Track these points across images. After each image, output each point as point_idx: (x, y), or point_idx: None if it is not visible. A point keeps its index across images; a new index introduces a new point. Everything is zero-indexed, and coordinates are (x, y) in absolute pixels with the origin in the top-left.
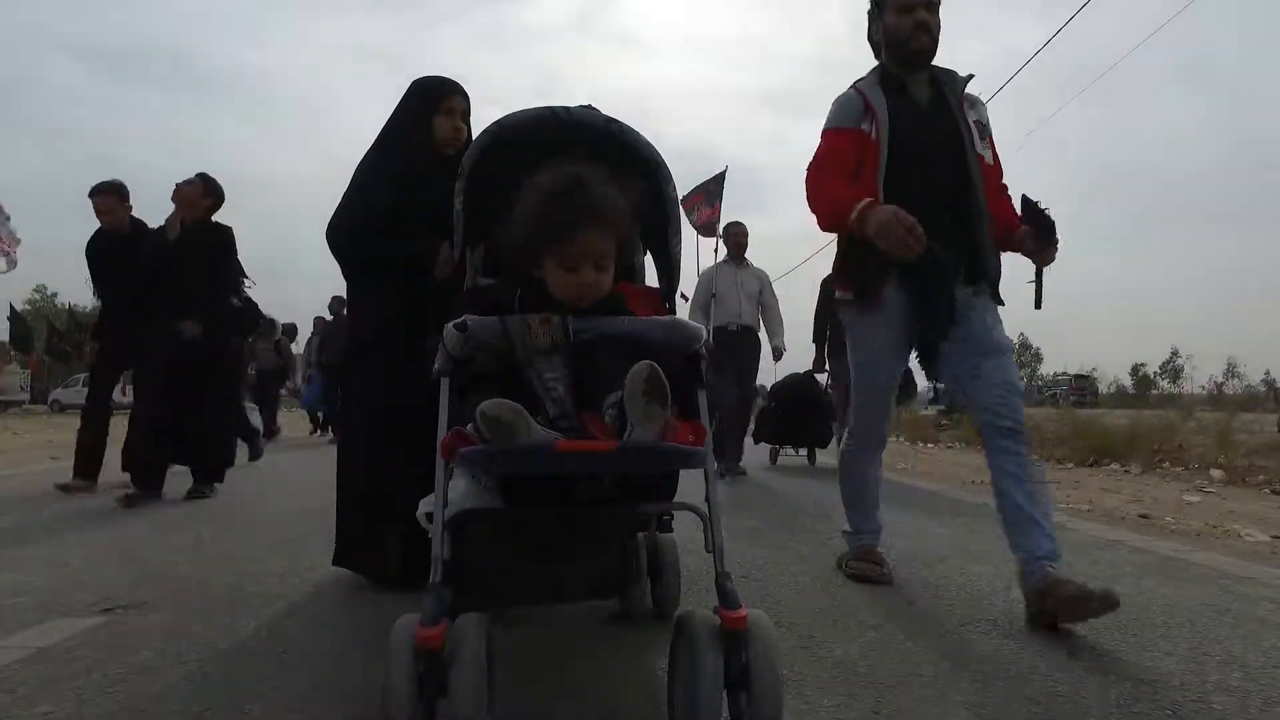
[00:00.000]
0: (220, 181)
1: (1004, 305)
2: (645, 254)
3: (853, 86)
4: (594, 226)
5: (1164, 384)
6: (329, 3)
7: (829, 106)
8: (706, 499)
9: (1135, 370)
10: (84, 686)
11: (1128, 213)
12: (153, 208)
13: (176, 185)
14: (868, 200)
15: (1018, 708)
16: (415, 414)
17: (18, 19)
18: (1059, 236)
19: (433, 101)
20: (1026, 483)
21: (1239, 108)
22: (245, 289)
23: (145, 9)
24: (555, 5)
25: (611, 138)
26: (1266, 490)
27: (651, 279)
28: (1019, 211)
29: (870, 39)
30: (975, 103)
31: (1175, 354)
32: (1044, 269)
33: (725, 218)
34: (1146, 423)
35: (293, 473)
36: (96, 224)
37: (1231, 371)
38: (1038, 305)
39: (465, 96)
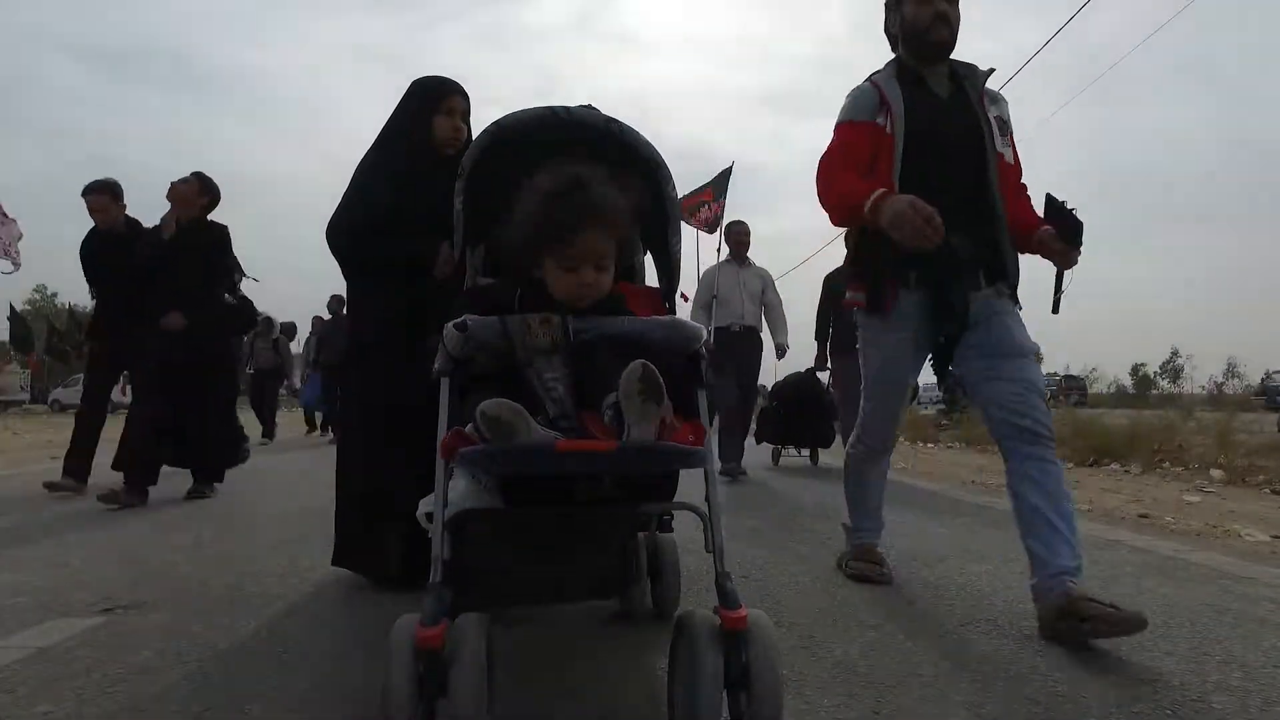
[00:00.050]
0: (220, 181)
1: (1022, 309)
2: (645, 254)
3: (868, 79)
4: (594, 227)
5: (1164, 384)
6: (329, 3)
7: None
8: (706, 499)
9: (1135, 370)
10: (84, 686)
11: (1128, 213)
12: (153, 207)
13: (172, 184)
14: (882, 190)
15: (1018, 708)
16: (415, 414)
17: (18, 19)
18: (1083, 238)
19: (433, 101)
20: (1048, 488)
21: (1239, 108)
22: (241, 287)
23: (145, 9)
24: (555, 5)
25: (611, 137)
26: (1266, 490)
27: (651, 279)
28: (1042, 211)
29: (887, 31)
30: (996, 98)
31: (1175, 354)
32: (1065, 272)
33: (725, 218)
34: (1146, 423)
35: (293, 473)
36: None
37: (1231, 371)
38: (1055, 310)
39: (465, 96)
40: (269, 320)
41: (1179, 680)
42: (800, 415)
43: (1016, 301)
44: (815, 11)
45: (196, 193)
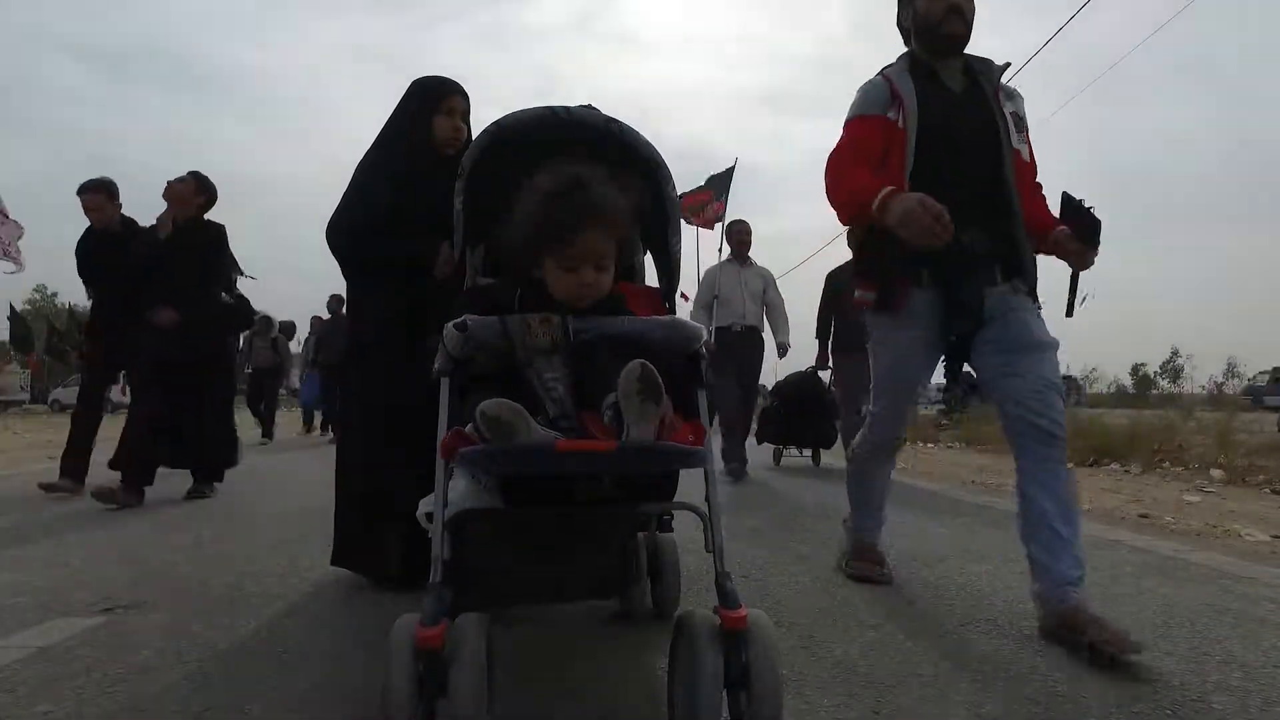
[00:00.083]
0: (220, 181)
1: (1042, 307)
2: (645, 254)
3: (879, 73)
4: (594, 227)
5: (1164, 384)
6: (329, 2)
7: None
8: (706, 499)
9: (1135, 370)
10: (84, 686)
11: (1127, 213)
12: (153, 207)
13: (168, 183)
14: (890, 188)
15: (1018, 708)
16: (415, 414)
17: (18, 19)
18: (1100, 238)
19: (433, 101)
20: (1058, 493)
21: (1239, 108)
22: (238, 286)
23: (145, 9)
24: (555, 5)
25: (611, 137)
26: (1266, 490)
27: (651, 279)
28: (1058, 210)
29: (899, 24)
30: (1012, 94)
31: (1175, 354)
32: (1080, 274)
33: (727, 217)
34: (1146, 423)
35: (293, 473)
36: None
37: (1231, 371)
38: (1069, 313)
39: (465, 96)
40: (267, 319)
41: (1179, 680)
42: (802, 415)
43: (1036, 300)
44: (815, 11)
45: (193, 192)
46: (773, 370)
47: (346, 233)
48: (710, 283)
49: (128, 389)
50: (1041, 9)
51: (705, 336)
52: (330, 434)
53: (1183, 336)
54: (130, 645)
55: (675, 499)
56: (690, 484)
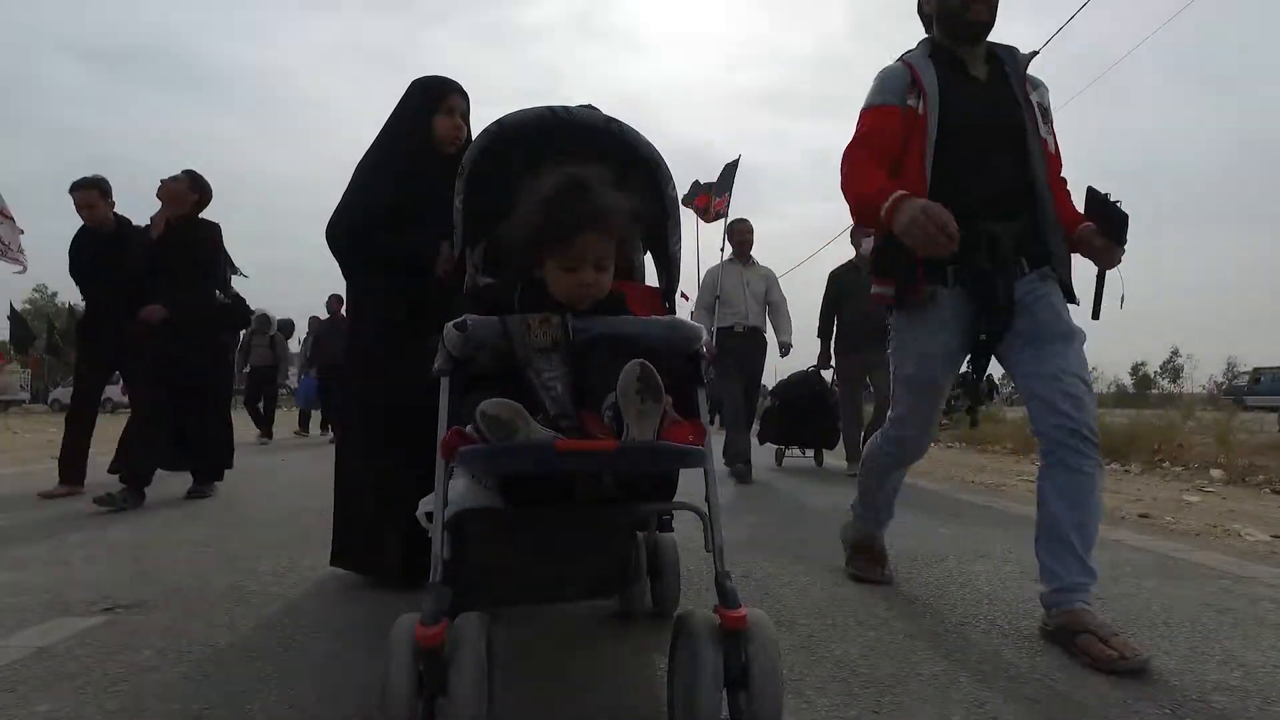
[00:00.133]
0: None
1: (1079, 304)
2: (645, 254)
3: (899, 59)
4: (594, 228)
5: (1164, 383)
6: (329, 2)
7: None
8: (706, 499)
9: (1135, 370)
10: (84, 686)
11: (1127, 213)
12: (152, 207)
13: (162, 181)
14: (900, 193)
15: (1018, 708)
16: (415, 414)
17: (18, 19)
18: (1128, 236)
19: (433, 101)
20: (1077, 500)
21: (1240, 108)
22: (232, 284)
23: (145, 9)
24: (555, 5)
25: (611, 137)
26: (1266, 490)
27: (651, 278)
28: (1083, 206)
29: (920, 11)
30: (1037, 84)
31: (1175, 353)
32: (1106, 273)
33: (728, 216)
34: (1146, 422)
35: (292, 473)
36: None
37: (1231, 371)
38: (1095, 315)
39: (465, 96)
40: (265, 317)
41: (1179, 680)
42: (804, 415)
43: (1071, 295)
44: (815, 11)
45: (187, 190)
46: (773, 370)
47: (346, 232)
48: (712, 283)
49: (128, 390)
50: (1041, 8)
51: (705, 337)
52: (329, 434)
53: (1183, 336)
54: (130, 645)
55: (675, 499)
56: (690, 484)
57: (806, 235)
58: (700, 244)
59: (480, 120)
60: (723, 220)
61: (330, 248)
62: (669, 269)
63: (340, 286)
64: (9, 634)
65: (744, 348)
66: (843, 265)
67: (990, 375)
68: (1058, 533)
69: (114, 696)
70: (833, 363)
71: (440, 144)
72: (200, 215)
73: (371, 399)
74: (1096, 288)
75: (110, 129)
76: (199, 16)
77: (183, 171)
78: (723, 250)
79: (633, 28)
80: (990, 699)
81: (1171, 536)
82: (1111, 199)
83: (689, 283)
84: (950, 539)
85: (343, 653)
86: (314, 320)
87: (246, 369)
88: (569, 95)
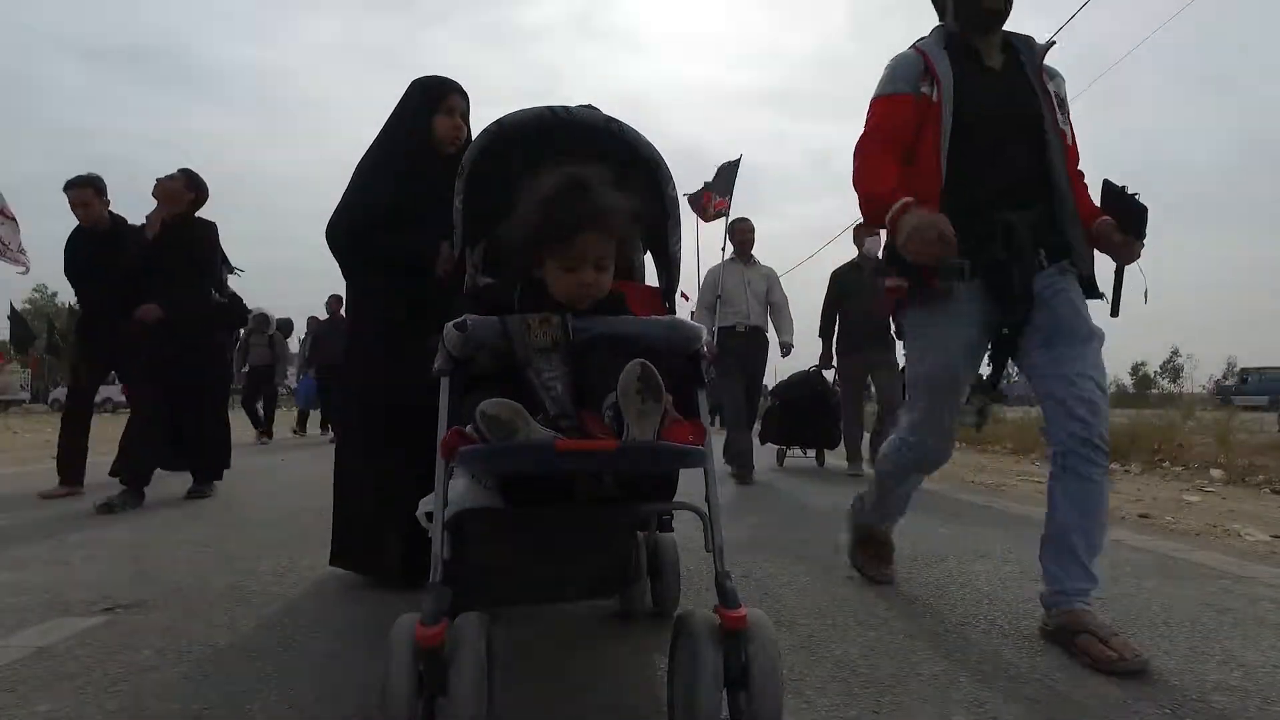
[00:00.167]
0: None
1: (1102, 298)
2: (645, 253)
3: (912, 46)
4: (594, 228)
5: (1164, 383)
6: (329, 2)
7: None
8: (706, 499)
9: (1135, 370)
10: (84, 686)
11: (1146, 205)
12: (152, 207)
13: (157, 180)
14: (906, 200)
15: (1018, 708)
16: (415, 414)
17: (18, 19)
18: (1146, 230)
19: (433, 101)
20: (1086, 507)
21: (1240, 108)
22: (228, 283)
23: (145, 9)
24: (555, 5)
25: (611, 137)
26: (1266, 490)
27: (651, 278)
28: (1099, 199)
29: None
30: (1054, 74)
31: (1175, 353)
32: (1125, 268)
33: (730, 215)
34: (1146, 422)
35: (292, 473)
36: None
37: (1231, 371)
38: (1114, 312)
39: (465, 95)
40: (264, 317)
41: (1179, 680)
42: (805, 415)
43: (1095, 289)
44: (815, 11)
45: (183, 189)
46: (774, 370)
47: (346, 232)
48: (713, 282)
49: (126, 390)
50: (1041, 8)
51: (705, 336)
52: (328, 434)
53: (1183, 336)
54: (130, 645)
55: (675, 499)
56: (690, 484)
57: (806, 235)
58: (700, 244)
59: (480, 120)
60: (723, 219)
61: (330, 248)
62: (669, 269)
63: (340, 286)
64: (9, 634)
65: (745, 347)
66: (845, 264)
67: (1002, 376)
68: (1065, 541)
69: (114, 696)
70: (834, 363)
71: (440, 144)
72: (196, 214)
73: (371, 399)
74: (1115, 284)
75: (110, 129)
76: (199, 16)
77: (179, 170)
78: (724, 250)
79: (633, 28)
80: (990, 699)
81: (1171, 536)
82: (1129, 191)
83: (689, 283)
84: (950, 539)
85: (343, 653)
86: (312, 320)
87: (245, 368)
88: (569, 95)
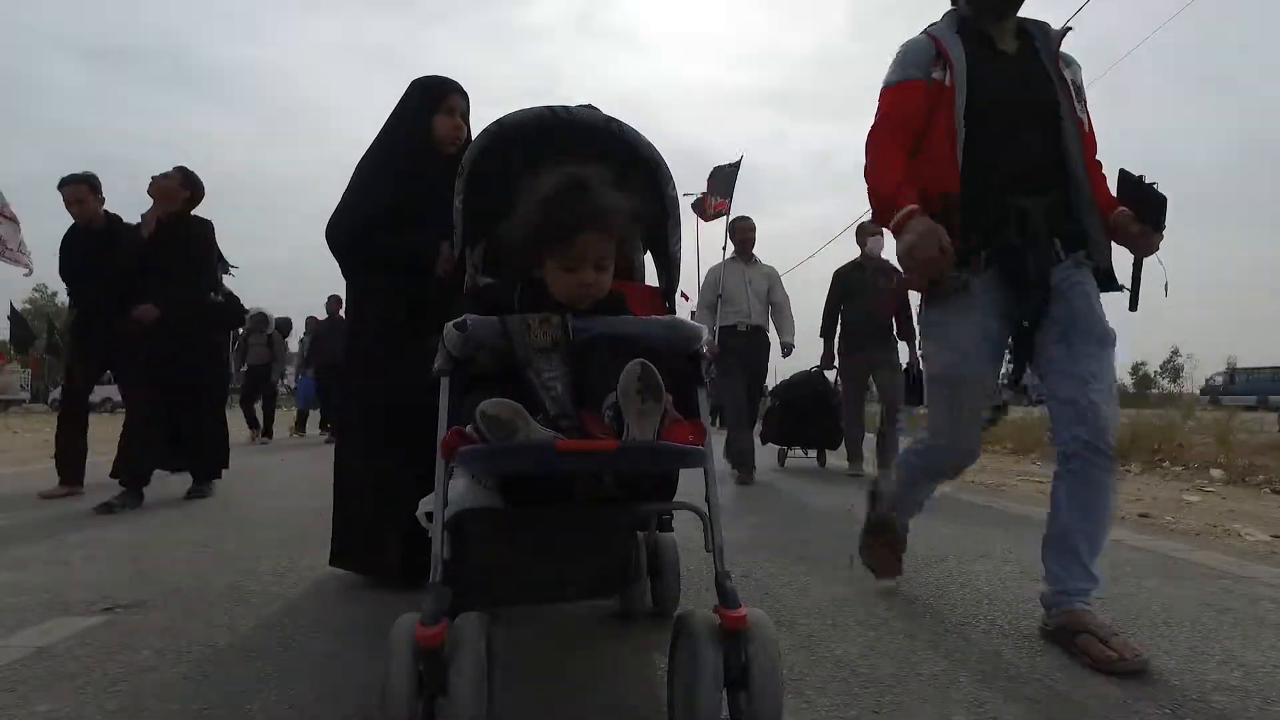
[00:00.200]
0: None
1: (1122, 290)
2: (645, 253)
3: (923, 31)
4: (594, 228)
5: (1164, 383)
6: (329, 2)
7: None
8: (706, 499)
9: (1135, 369)
10: (84, 686)
11: (1164, 195)
12: (149, 206)
13: (153, 178)
14: (911, 208)
15: (1018, 708)
16: (415, 414)
17: (18, 19)
18: (1165, 221)
19: (433, 100)
20: (1090, 509)
21: (1240, 108)
22: (224, 283)
23: (145, 9)
24: (555, 5)
25: (611, 137)
26: (1266, 490)
27: (651, 278)
28: (1115, 189)
29: None
30: (1071, 61)
31: (1175, 353)
32: (1144, 261)
33: (730, 214)
34: (1146, 422)
35: (291, 473)
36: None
37: (1233, 372)
38: (1133, 306)
39: (465, 95)
40: (263, 316)
41: (1179, 680)
42: (806, 415)
43: (1113, 281)
44: (815, 11)
45: (178, 187)
46: (775, 370)
47: (347, 232)
48: (714, 282)
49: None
50: (1040, 7)
51: (705, 336)
52: (327, 434)
53: (1183, 336)
54: (130, 644)
55: (675, 499)
56: (690, 484)
57: (806, 235)
58: (700, 244)
59: (480, 120)
60: (724, 219)
61: (330, 248)
62: (669, 269)
63: (339, 286)
64: (9, 634)
65: (747, 346)
66: (847, 264)
67: (1020, 374)
68: (1068, 541)
69: (114, 696)
70: (836, 363)
71: (440, 144)
72: (192, 212)
73: (371, 399)
74: (1134, 277)
75: (110, 129)
76: (199, 16)
77: (174, 168)
78: (724, 249)
79: (633, 28)
80: (990, 699)
81: (1171, 536)
82: (1146, 180)
83: (689, 283)
84: (950, 539)
85: (343, 653)
86: (311, 320)
87: (244, 368)
88: (569, 95)
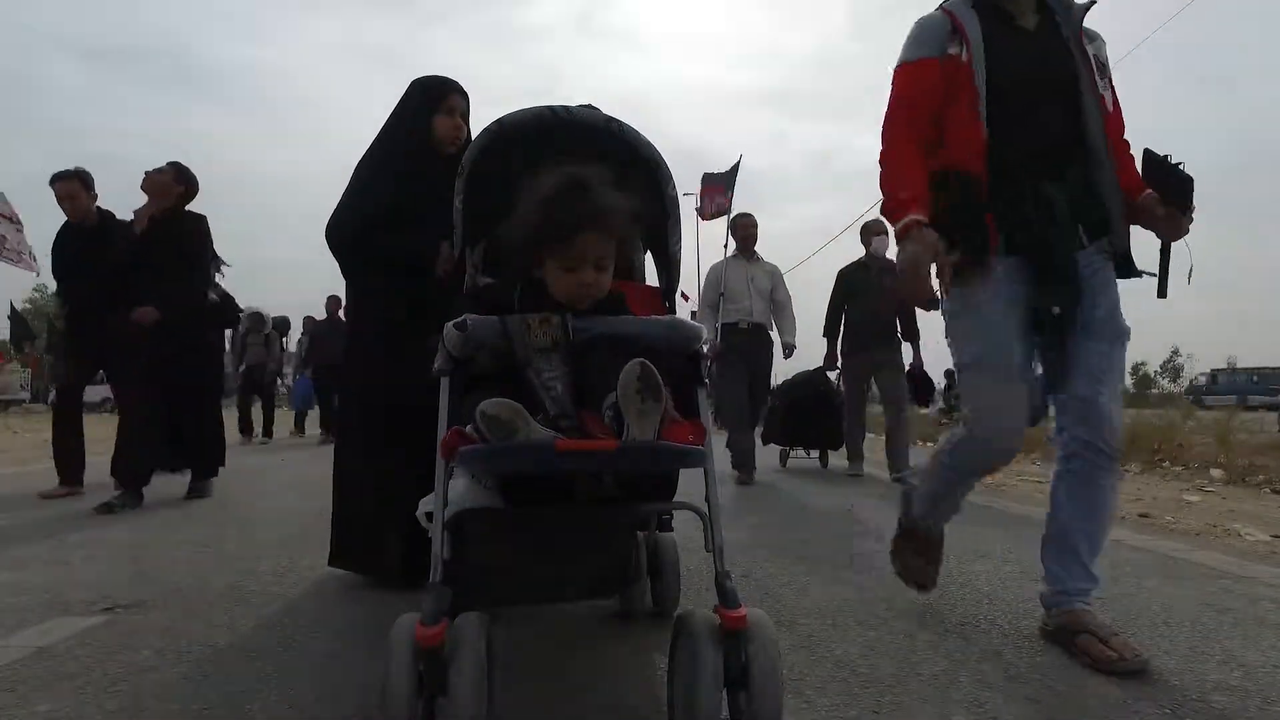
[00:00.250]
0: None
1: (1143, 275)
2: (645, 253)
3: (938, 8)
4: (594, 228)
5: (1164, 383)
6: (329, 2)
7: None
8: (706, 499)
9: (1135, 369)
10: (84, 686)
11: (1191, 175)
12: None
13: (146, 173)
14: (913, 218)
15: (1018, 708)
16: (415, 414)
17: (18, 19)
18: (1194, 202)
19: (433, 100)
20: (1091, 509)
21: (1240, 108)
22: (220, 279)
23: (145, 9)
24: (555, 5)
25: (611, 137)
26: (1266, 490)
27: (651, 278)
28: (1140, 171)
29: None
30: (1094, 36)
31: (1175, 353)
32: (1171, 245)
33: (731, 212)
34: (1146, 422)
35: (291, 473)
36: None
37: (1231, 371)
38: (1161, 292)
39: (465, 95)
40: (260, 315)
41: (1179, 680)
42: (808, 416)
43: (1132, 265)
44: (815, 11)
45: (172, 182)
46: (779, 369)
47: (347, 231)
48: (715, 280)
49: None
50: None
51: (705, 336)
52: (322, 434)
53: (1183, 336)
54: (130, 644)
55: (675, 499)
56: (690, 484)
57: (807, 235)
58: (700, 243)
59: (480, 120)
60: (724, 217)
61: (330, 248)
62: (669, 269)
63: (339, 286)
64: (9, 634)
65: (749, 344)
66: (851, 264)
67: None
68: (1068, 541)
69: (114, 696)
70: (839, 364)
71: (440, 144)
72: (186, 208)
73: (371, 399)
74: (1161, 263)
75: (110, 129)
76: (198, 16)
77: (168, 163)
78: (726, 246)
79: (633, 28)
80: (990, 699)
81: (1171, 536)
82: (1171, 160)
83: (689, 282)
84: (950, 539)
85: (343, 653)
86: (309, 320)
87: (242, 367)
88: (569, 95)
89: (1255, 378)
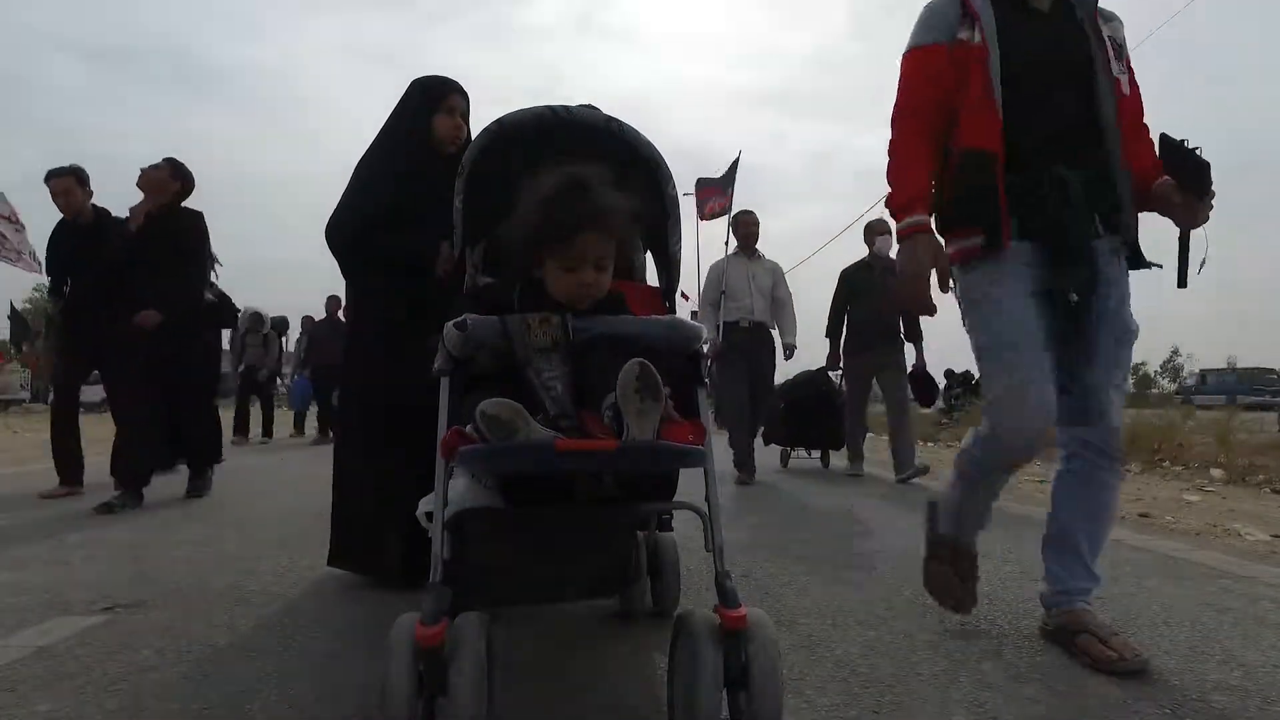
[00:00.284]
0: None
1: (1152, 267)
2: (645, 253)
3: None
4: (594, 228)
5: (1164, 383)
6: (329, 2)
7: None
8: (706, 499)
9: (1135, 369)
10: (84, 685)
11: (1208, 160)
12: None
13: (142, 170)
14: (915, 220)
15: (1018, 708)
16: (415, 414)
17: (18, 19)
18: (1212, 188)
19: (433, 100)
20: (1092, 510)
21: (1240, 108)
22: (216, 281)
23: (145, 9)
24: (555, 5)
25: (611, 137)
26: (1266, 489)
27: (652, 278)
28: (1158, 156)
29: None
30: (1111, 18)
31: (1175, 353)
32: (1191, 234)
33: (732, 210)
34: (1146, 422)
35: (291, 473)
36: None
37: (1232, 371)
38: (1181, 283)
39: (465, 95)
40: (258, 315)
41: (1179, 680)
42: (810, 416)
43: (1141, 257)
44: (815, 11)
45: (168, 178)
46: (780, 369)
47: (347, 231)
48: (716, 278)
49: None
50: None
51: (705, 335)
52: (327, 434)
53: (1183, 336)
54: (130, 644)
55: (675, 499)
56: (690, 484)
57: (807, 235)
58: (700, 242)
59: (480, 120)
60: (725, 216)
61: (330, 247)
62: (669, 269)
63: (339, 286)
64: (9, 634)
65: (749, 343)
66: (854, 264)
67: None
68: (1068, 541)
69: (114, 696)
70: (841, 364)
71: (440, 144)
72: (183, 204)
73: (371, 399)
74: (1180, 252)
75: (110, 129)
76: (198, 17)
77: (164, 159)
78: (727, 244)
79: (633, 28)
80: (990, 699)
81: (1171, 536)
82: (1187, 145)
83: (689, 282)
84: None
85: (343, 653)
86: (308, 320)
87: (241, 368)
88: (569, 95)
89: (1242, 378)
